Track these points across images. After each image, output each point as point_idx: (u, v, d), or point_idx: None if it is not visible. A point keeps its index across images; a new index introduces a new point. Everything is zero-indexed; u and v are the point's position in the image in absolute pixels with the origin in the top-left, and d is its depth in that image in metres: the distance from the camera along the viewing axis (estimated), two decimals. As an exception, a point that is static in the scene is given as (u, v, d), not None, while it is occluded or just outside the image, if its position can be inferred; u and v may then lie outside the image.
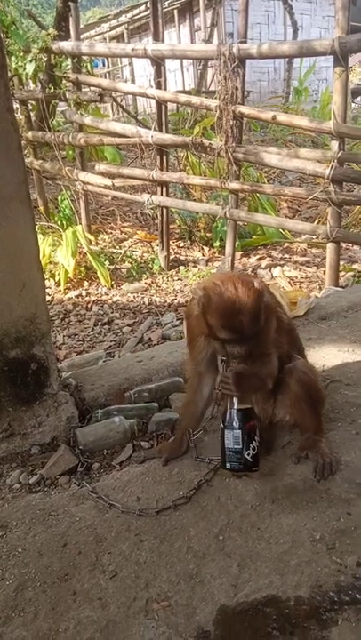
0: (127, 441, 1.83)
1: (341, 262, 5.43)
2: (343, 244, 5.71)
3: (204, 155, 6.04)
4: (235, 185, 4.69)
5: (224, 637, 1.06)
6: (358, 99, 14.60)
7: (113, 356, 3.34)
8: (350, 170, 4.38)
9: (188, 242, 6.17)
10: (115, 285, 4.95)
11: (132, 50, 4.84)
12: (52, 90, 5.40)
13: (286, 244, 6.18)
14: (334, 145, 4.18)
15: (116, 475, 1.61)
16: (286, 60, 11.07)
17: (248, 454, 1.37)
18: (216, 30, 11.35)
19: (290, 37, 11.65)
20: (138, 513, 1.41)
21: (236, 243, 5.79)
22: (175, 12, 12.90)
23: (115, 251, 5.66)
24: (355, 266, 5.37)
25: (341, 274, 5.10)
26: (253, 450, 1.38)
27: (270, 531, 1.30)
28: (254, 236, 6.17)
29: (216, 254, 5.92)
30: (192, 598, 1.15)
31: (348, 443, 1.58)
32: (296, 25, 11.38)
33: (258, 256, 5.89)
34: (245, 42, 4.29)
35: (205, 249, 6.11)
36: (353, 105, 13.42)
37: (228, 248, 5.13)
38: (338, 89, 3.99)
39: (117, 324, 4.14)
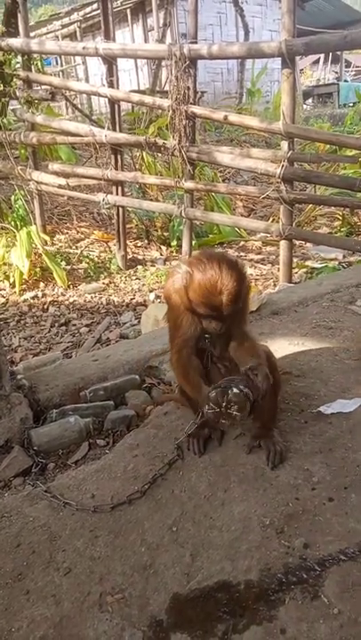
0: (83, 440, 1.83)
1: (295, 259, 5.57)
2: (296, 242, 5.87)
3: (159, 154, 6.05)
4: (189, 184, 4.73)
5: (177, 624, 1.08)
6: (310, 100, 15.01)
7: (70, 357, 3.31)
8: (300, 169, 4.50)
9: (146, 241, 6.18)
10: (72, 286, 4.90)
11: (84, 48, 4.81)
12: (2, 88, 5.28)
13: (242, 243, 6.28)
14: (284, 145, 4.29)
15: (71, 473, 1.61)
16: (239, 61, 11.25)
17: None
18: (169, 30, 11.39)
19: (242, 39, 11.84)
20: (92, 510, 1.42)
21: (194, 242, 5.85)
22: (128, 11, 12.85)
23: (71, 251, 5.59)
24: (308, 262, 5.52)
25: (295, 270, 5.23)
26: None
27: (222, 519, 1.34)
28: (211, 235, 6.24)
29: (174, 253, 5.95)
30: (146, 589, 1.17)
31: (297, 431, 1.64)
32: (247, 27, 11.58)
33: (215, 254, 5.94)
34: (196, 42, 4.33)
35: (163, 248, 6.13)
36: (304, 107, 13.78)
37: (185, 247, 5.16)
38: (286, 90, 4.10)
39: (75, 325, 4.11)
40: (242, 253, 6.06)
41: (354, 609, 1.08)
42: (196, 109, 4.53)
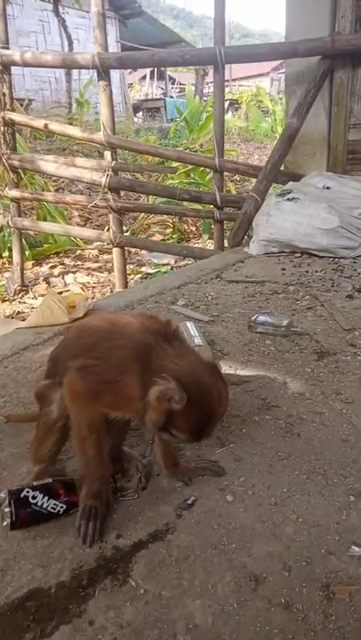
0: None
1: (131, 266, 5.74)
2: (132, 249, 6.04)
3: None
4: (14, 192, 4.57)
5: (-19, 645, 1.04)
6: (140, 114, 15.59)
7: None
8: (125, 179, 4.67)
9: (-27, 254, 5.79)
10: None
11: None
12: None
13: (78, 252, 6.27)
14: (108, 155, 4.40)
15: None
16: (65, 71, 11.20)
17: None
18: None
19: (67, 49, 11.82)
20: None
21: (27, 252, 5.66)
22: None
23: None
24: (143, 269, 5.73)
25: (131, 277, 5.38)
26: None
27: (37, 529, 1.31)
28: (46, 245, 6.12)
29: (6, 265, 5.69)
30: None
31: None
32: (70, 37, 11.61)
33: (50, 264, 5.85)
34: (8, 48, 4.21)
35: (-7, 260, 5.82)
36: (135, 119, 14.27)
37: (16, 257, 4.98)
38: (104, 102, 4.22)
39: None
40: (79, 262, 6.04)
41: (158, 585, 1.15)
42: (15, 116, 4.41)
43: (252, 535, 1.28)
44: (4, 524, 1.26)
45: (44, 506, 1.29)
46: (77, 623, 1.07)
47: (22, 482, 1.48)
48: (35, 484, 1.32)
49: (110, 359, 1.30)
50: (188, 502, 1.38)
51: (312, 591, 1.13)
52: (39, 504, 1.28)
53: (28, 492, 1.27)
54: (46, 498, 1.29)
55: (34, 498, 1.27)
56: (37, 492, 1.28)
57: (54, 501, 1.30)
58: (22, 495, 1.26)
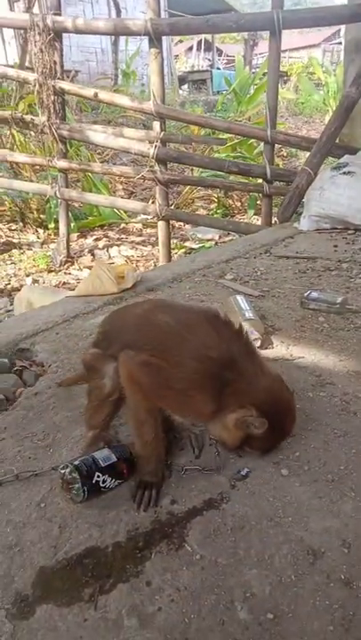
0: None
1: (174, 240, 5.70)
2: (176, 224, 5.99)
3: (32, 133, 5.77)
4: (62, 163, 4.58)
5: (42, 597, 1.07)
6: (185, 86, 15.28)
7: None
8: (173, 150, 4.59)
9: (21, 224, 5.89)
10: None
11: None
12: None
13: (123, 225, 6.27)
14: (156, 125, 4.33)
15: None
16: (112, 41, 11.06)
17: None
18: (37, 3, 10.80)
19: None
20: None
21: (72, 224, 5.70)
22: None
23: None
24: (186, 243, 5.68)
25: (175, 251, 5.35)
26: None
27: (92, 489, 1.33)
28: (90, 218, 6.14)
29: (52, 236, 5.76)
30: (10, 568, 1.13)
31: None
32: (119, 6, 11.41)
33: (95, 237, 5.88)
34: (60, 14, 4.17)
35: (40, 231, 5.91)
36: (180, 92, 14.01)
37: (62, 229, 5.02)
38: (155, 70, 4.13)
39: None
40: (123, 235, 6.04)
41: (214, 552, 1.14)
42: (65, 85, 4.38)
43: (309, 510, 1.25)
44: (69, 497, 1.28)
45: (111, 487, 1.31)
46: (135, 583, 1.09)
47: (76, 445, 1.50)
48: (102, 464, 1.29)
49: (182, 368, 1.25)
50: (242, 474, 1.37)
51: (372, 569, 1.10)
52: (108, 486, 1.30)
53: (98, 476, 1.27)
54: (114, 480, 1.31)
55: (103, 482, 1.28)
56: (107, 477, 1.29)
57: (119, 480, 1.32)
58: (94, 481, 1.27)
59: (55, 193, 4.74)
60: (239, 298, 2.30)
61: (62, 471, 1.27)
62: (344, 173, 3.51)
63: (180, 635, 0.99)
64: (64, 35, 4.34)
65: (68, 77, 9.03)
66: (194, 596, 1.05)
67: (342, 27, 6.95)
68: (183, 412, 1.36)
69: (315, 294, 2.40)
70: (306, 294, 2.41)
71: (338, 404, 1.67)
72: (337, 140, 4.07)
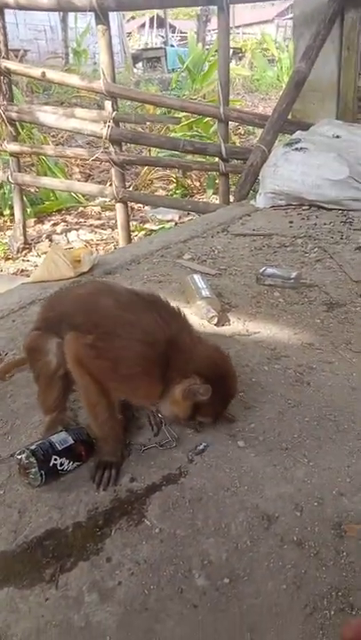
0: None
1: (134, 222, 5.64)
2: (135, 206, 5.92)
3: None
4: (13, 147, 4.45)
5: (4, 580, 1.07)
6: (140, 64, 14.96)
7: None
8: (127, 130, 4.52)
9: (-26, 211, 5.71)
10: None
11: None
12: None
13: (81, 209, 6.16)
14: (108, 105, 4.24)
15: None
16: (61, 18, 10.69)
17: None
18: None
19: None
20: None
21: (29, 210, 5.57)
22: None
23: None
24: (146, 225, 5.63)
25: (135, 233, 5.30)
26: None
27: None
28: (47, 202, 6.00)
29: (8, 223, 5.61)
30: (-30, 556, 1.13)
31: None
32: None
33: (52, 222, 5.77)
34: (0, -11, 3.99)
35: (-5, 218, 5.73)
36: (135, 71, 13.71)
37: (18, 215, 4.90)
38: (103, 47, 4.03)
39: None
40: (81, 219, 5.94)
41: (173, 525, 1.17)
42: (10, 65, 4.23)
43: (264, 478, 1.29)
44: (27, 482, 1.28)
45: (69, 469, 1.31)
46: (95, 560, 1.11)
47: (35, 431, 1.50)
48: (59, 447, 1.29)
49: (128, 351, 1.27)
50: (200, 448, 1.40)
51: (324, 530, 1.15)
52: (65, 469, 1.30)
53: (55, 459, 1.27)
54: (71, 462, 1.31)
55: (61, 465, 1.29)
56: (64, 459, 1.29)
57: (77, 463, 1.33)
58: (51, 464, 1.27)
59: (7, 178, 4.61)
60: (196, 277, 2.32)
61: (19, 456, 1.27)
62: (297, 149, 3.54)
63: (140, 606, 1.02)
64: (8, 11, 4.17)
65: (16, 57, 8.70)
66: (153, 568, 1.08)
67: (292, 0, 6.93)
68: (131, 396, 1.38)
69: (270, 270, 2.44)
70: (261, 270, 2.44)
71: (292, 376, 1.72)
72: (290, 117, 4.09)
